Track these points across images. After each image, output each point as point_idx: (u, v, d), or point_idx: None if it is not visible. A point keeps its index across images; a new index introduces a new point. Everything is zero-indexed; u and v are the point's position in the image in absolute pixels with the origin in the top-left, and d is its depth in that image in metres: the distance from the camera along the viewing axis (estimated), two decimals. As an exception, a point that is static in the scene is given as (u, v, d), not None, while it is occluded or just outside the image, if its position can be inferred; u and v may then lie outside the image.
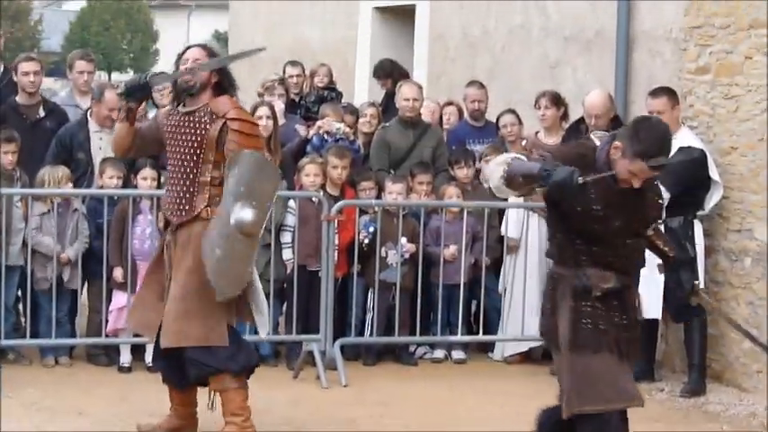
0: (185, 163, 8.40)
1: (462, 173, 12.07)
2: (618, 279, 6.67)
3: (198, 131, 8.35)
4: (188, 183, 8.40)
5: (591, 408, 6.59)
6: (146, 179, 11.11)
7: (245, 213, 8.01)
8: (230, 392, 8.42)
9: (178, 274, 8.35)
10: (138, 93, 8.63)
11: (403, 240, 11.47)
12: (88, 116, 11.71)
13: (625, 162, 6.42)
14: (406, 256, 11.56)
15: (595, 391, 6.56)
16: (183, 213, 8.39)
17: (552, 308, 6.85)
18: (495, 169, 6.60)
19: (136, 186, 11.23)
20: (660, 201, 7.12)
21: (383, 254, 11.53)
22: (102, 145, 11.49)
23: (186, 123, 8.40)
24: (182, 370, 8.44)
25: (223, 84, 8.63)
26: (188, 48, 8.96)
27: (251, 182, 8.14)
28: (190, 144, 8.36)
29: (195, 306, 8.25)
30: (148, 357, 11.04)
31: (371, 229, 11.45)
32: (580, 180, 6.36)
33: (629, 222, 6.69)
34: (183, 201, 8.40)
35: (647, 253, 10.89)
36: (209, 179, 8.37)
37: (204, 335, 8.25)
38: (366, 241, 11.43)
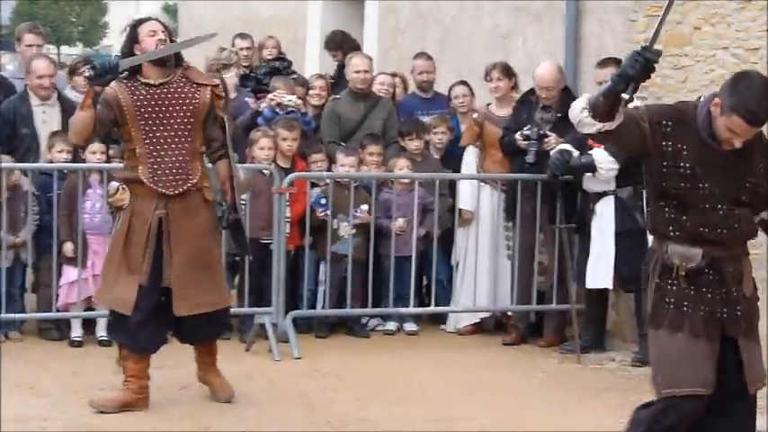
0: (179, 134, 8.52)
1: (413, 144, 12.04)
2: (709, 254, 6.12)
3: (188, 101, 8.55)
4: (183, 152, 8.55)
5: (666, 391, 6.23)
6: (95, 153, 11.02)
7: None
8: (215, 345, 9.20)
9: (184, 242, 8.57)
10: (108, 76, 8.40)
11: (364, 207, 11.50)
12: (29, 90, 11.64)
13: (723, 119, 6.02)
14: (363, 220, 11.58)
15: (672, 374, 6.21)
16: (180, 183, 8.54)
17: (645, 284, 6.59)
18: (576, 105, 6.29)
19: (84, 161, 11.13)
20: None
21: (335, 226, 11.51)
22: (45, 119, 11.50)
23: (167, 97, 8.51)
24: (157, 338, 8.81)
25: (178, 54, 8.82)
26: (141, 21, 8.93)
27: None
28: (182, 115, 8.53)
29: (203, 274, 8.66)
30: (100, 332, 11.10)
31: (323, 201, 11.46)
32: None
33: (726, 187, 6.11)
34: (180, 172, 8.54)
35: (602, 220, 11.04)
36: (199, 148, 8.71)
37: (218, 299, 8.87)
38: (324, 217, 11.43)
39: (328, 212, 11.45)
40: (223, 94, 8.92)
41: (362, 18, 15.87)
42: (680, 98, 11.13)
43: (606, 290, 11.26)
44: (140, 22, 8.84)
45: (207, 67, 12.65)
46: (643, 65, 5.84)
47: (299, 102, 12.08)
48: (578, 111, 6.18)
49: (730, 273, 6.11)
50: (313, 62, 15.94)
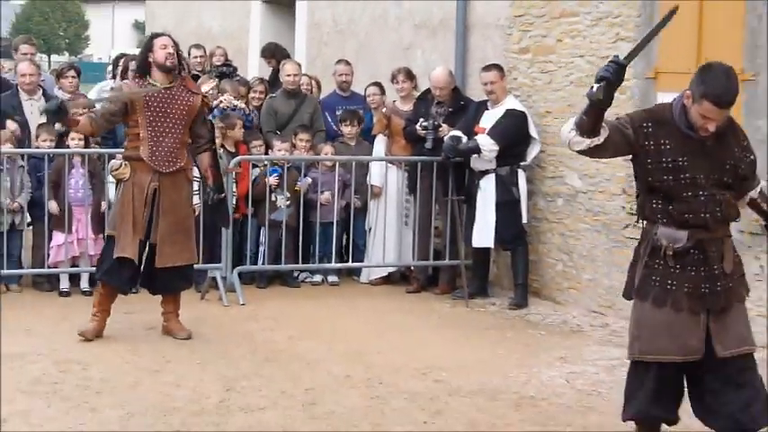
0: (175, 127, 8.97)
1: (348, 129, 12.10)
2: (694, 236, 5.80)
3: (184, 103, 9.02)
4: (176, 141, 9.00)
5: (651, 357, 5.98)
6: (74, 139, 10.99)
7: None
8: (179, 297, 9.49)
9: (170, 209, 9.01)
10: (58, 117, 8.90)
11: (307, 179, 11.64)
12: (19, 87, 11.64)
13: (695, 107, 5.75)
14: (304, 187, 11.61)
15: (653, 342, 5.97)
16: (171, 164, 8.97)
17: (634, 260, 6.26)
18: (565, 128, 6.07)
19: (68, 146, 11.08)
20: (747, 155, 5.97)
21: (273, 198, 11.46)
22: (32, 110, 11.39)
23: (171, 96, 8.96)
24: (136, 282, 9.44)
25: (181, 61, 9.33)
26: (156, 35, 9.42)
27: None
28: (179, 113, 8.99)
29: (182, 237, 9.16)
30: (84, 284, 11.13)
31: (276, 175, 11.51)
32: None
33: (709, 172, 5.82)
34: (172, 155, 8.97)
35: (485, 193, 11.02)
36: (187, 140, 9.15)
37: (189, 257, 9.31)
38: (275, 182, 11.51)
39: (278, 179, 11.53)
40: (209, 102, 9.62)
41: (294, 32, 15.79)
42: (548, 95, 11.23)
43: (488, 248, 11.30)
44: (155, 36, 9.32)
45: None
46: (616, 69, 5.64)
47: (243, 105, 12.03)
48: (567, 132, 6.00)
49: (713, 252, 5.84)
50: (254, 67, 15.86)
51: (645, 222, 6.07)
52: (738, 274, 5.98)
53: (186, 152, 9.17)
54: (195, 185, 10.17)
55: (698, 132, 5.76)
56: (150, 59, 8.98)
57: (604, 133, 5.80)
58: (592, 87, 5.72)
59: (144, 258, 9.16)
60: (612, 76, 5.64)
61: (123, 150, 9.36)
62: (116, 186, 9.41)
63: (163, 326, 9.39)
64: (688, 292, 5.81)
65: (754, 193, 6.06)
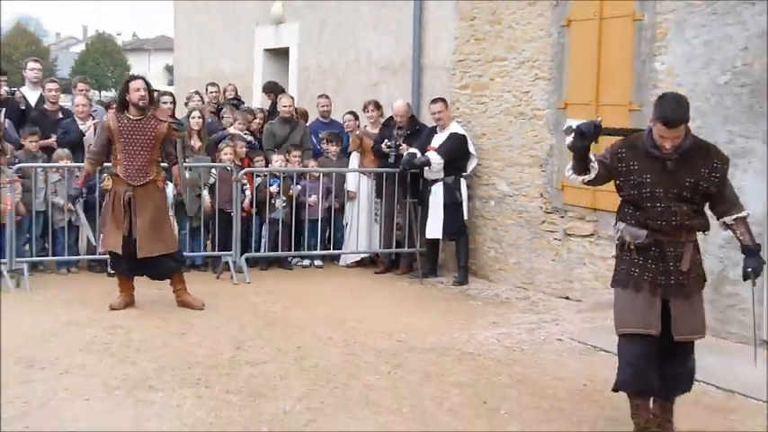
0: (144, 150, 8.90)
1: (332, 147, 12.04)
2: (652, 236, 5.56)
3: (153, 131, 8.92)
4: (146, 161, 8.92)
5: (620, 330, 5.78)
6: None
7: (188, 174, 9.64)
8: (179, 275, 9.41)
9: (144, 212, 8.91)
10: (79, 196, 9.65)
11: (297, 187, 11.40)
12: (75, 115, 11.56)
13: (654, 129, 5.53)
14: (295, 193, 11.54)
15: (621, 317, 5.75)
16: (142, 178, 8.91)
17: (615, 256, 6.06)
18: (566, 169, 6.00)
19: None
20: (714, 176, 5.56)
21: (272, 201, 11.40)
22: (85, 131, 11.36)
23: (141, 126, 8.90)
24: (135, 270, 9.23)
25: (152, 98, 9.23)
26: (132, 77, 9.21)
27: (182, 158, 9.41)
28: (148, 140, 8.90)
29: (157, 233, 9.01)
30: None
31: (274, 182, 11.40)
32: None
33: (668, 187, 5.52)
34: (143, 171, 8.92)
35: (435, 196, 11.00)
36: (156, 158, 9.04)
37: (166, 246, 9.11)
38: (274, 190, 11.39)
39: (278, 188, 11.38)
40: (177, 127, 9.33)
41: (287, 73, 15.79)
42: (483, 121, 11.28)
43: (438, 239, 11.27)
44: (132, 79, 9.13)
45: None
46: (593, 131, 5.58)
47: (250, 138, 12.01)
48: (567, 172, 5.97)
49: (670, 252, 5.58)
50: (257, 100, 15.80)
51: (619, 223, 5.87)
52: (695, 273, 5.66)
53: (156, 167, 9.07)
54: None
55: (661, 151, 5.53)
56: (127, 98, 8.91)
57: (594, 171, 5.74)
58: (568, 137, 5.72)
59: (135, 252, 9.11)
60: (586, 131, 5.61)
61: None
62: (103, 195, 9.71)
63: (177, 301, 9.36)
64: (648, 280, 5.61)
65: (728, 219, 5.68)
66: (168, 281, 9.40)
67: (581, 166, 5.79)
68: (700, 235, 5.81)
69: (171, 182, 10.19)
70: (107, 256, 10.82)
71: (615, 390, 5.88)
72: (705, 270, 5.84)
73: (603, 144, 5.89)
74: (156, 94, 9.95)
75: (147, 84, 9.07)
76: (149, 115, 8.95)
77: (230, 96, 14.05)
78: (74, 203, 9.89)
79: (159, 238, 9.03)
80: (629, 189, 5.66)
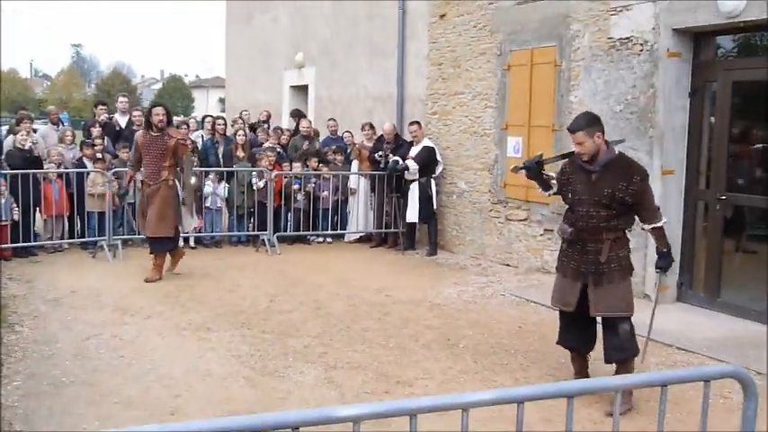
0: (157, 158, 8.60)
1: (337, 156, 11.88)
2: (576, 234, 5.26)
3: (165, 145, 8.61)
4: (159, 167, 8.61)
5: (552, 305, 5.66)
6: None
7: (193, 180, 9.04)
8: (178, 252, 9.16)
9: (154, 205, 8.60)
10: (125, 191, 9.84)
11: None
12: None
13: None
14: (311, 190, 11.42)
15: (552, 295, 5.54)
16: (156, 180, 8.62)
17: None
18: (538, 188, 5.77)
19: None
20: (631, 188, 5.10)
21: (296, 195, 11.34)
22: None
23: (157, 141, 8.62)
24: (160, 245, 8.82)
25: (170, 120, 8.83)
26: (154, 105, 9.04)
27: (189, 168, 8.94)
28: (161, 150, 8.60)
29: (161, 220, 8.64)
30: (191, 242, 10.92)
31: (297, 184, 11.33)
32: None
33: (590, 194, 5.18)
34: (156, 174, 8.62)
35: (413, 192, 10.95)
36: (167, 165, 8.62)
37: (166, 230, 8.73)
38: (297, 187, 11.32)
39: (299, 187, 11.34)
40: (185, 142, 8.93)
41: (307, 102, 15.73)
42: (447, 137, 11.23)
43: (415, 223, 11.20)
44: (154, 105, 8.96)
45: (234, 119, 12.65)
46: (535, 165, 5.51)
47: (279, 150, 11.89)
48: (538, 190, 5.77)
49: (590, 247, 5.18)
50: (284, 122, 15.70)
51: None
52: (616, 264, 5.18)
53: (167, 171, 8.65)
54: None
55: (587, 162, 5.19)
56: (150, 120, 8.65)
57: (555, 186, 5.53)
58: (522, 171, 5.64)
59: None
60: (530, 165, 5.54)
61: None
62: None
63: (168, 268, 9.04)
64: (573, 267, 5.31)
65: (646, 227, 5.29)
66: (168, 254, 9.05)
67: (543, 186, 5.65)
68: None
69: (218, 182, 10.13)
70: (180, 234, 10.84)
71: (557, 343, 5.71)
72: (632, 261, 5.36)
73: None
74: (173, 116, 9.39)
75: (167, 109, 8.84)
76: (164, 132, 8.64)
77: (263, 119, 13.98)
78: (122, 199, 10.00)
79: (163, 223, 8.68)
80: (566, 195, 5.39)
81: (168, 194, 8.69)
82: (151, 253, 8.90)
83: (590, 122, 5.17)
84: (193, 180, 9.08)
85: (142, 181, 8.94)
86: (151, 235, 8.70)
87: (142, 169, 8.80)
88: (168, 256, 9.02)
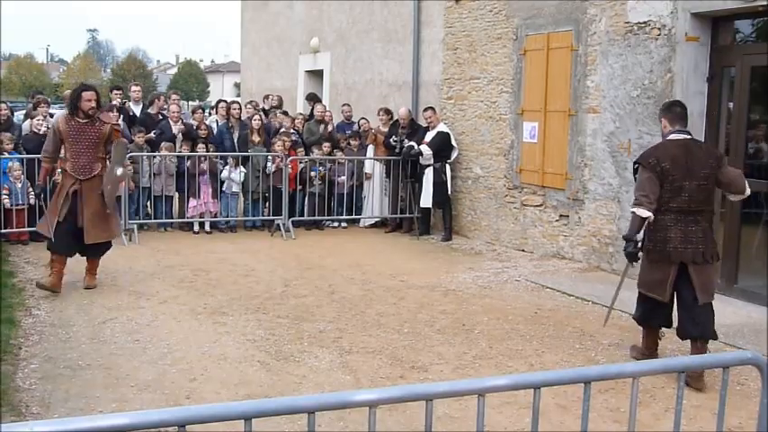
0: (89, 149, 7.26)
1: (354, 142, 11.87)
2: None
3: (98, 132, 7.28)
4: (91, 158, 7.27)
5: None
6: (202, 148, 10.84)
7: (119, 171, 7.44)
8: (99, 260, 7.75)
9: (90, 203, 7.26)
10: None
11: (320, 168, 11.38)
12: (169, 119, 11.45)
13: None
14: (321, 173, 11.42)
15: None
16: (87, 173, 7.27)
17: None
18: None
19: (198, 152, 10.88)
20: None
21: (312, 181, 11.34)
22: (176, 131, 11.23)
23: (87, 128, 7.24)
24: (73, 249, 7.46)
25: (100, 104, 7.45)
26: (85, 88, 7.48)
27: (119, 156, 7.43)
28: (93, 139, 7.28)
29: (101, 221, 7.34)
30: (206, 227, 10.95)
31: (314, 171, 11.32)
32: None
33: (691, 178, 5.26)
34: (88, 167, 7.26)
35: (428, 177, 10.93)
36: (101, 155, 7.35)
37: (110, 234, 7.49)
38: (314, 174, 11.30)
39: (316, 172, 11.33)
40: (119, 128, 8.06)
41: (322, 87, 15.71)
42: (463, 122, 11.20)
43: (429, 208, 11.18)
44: (85, 89, 7.42)
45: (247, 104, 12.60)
46: (631, 251, 5.36)
47: (294, 133, 11.89)
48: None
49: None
50: (300, 107, 15.69)
51: None
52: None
53: (101, 164, 7.35)
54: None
55: None
56: (78, 105, 7.23)
57: (654, 199, 5.28)
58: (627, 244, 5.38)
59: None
60: (630, 250, 5.34)
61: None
62: (55, 186, 8.03)
63: (85, 282, 7.63)
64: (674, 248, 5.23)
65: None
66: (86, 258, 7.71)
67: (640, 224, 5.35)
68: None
69: (236, 167, 10.12)
70: (195, 218, 10.84)
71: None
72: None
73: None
74: (103, 101, 8.26)
75: (98, 95, 7.46)
76: (96, 118, 7.32)
77: (275, 104, 13.95)
78: (38, 197, 8.50)
79: (105, 225, 7.41)
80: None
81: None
82: (55, 253, 7.35)
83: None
84: (119, 171, 7.58)
85: (61, 172, 7.60)
86: (93, 242, 7.38)
87: (64, 163, 7.46)
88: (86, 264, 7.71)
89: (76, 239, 7.31)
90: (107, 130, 7.38)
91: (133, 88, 12.43)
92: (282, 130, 11.75)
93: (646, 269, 5.47)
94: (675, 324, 5.48)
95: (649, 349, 5.69)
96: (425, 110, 11.21)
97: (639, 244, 5.41)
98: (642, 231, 5.34)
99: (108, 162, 7.43)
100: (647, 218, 5.23)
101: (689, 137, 5.44)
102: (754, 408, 4.67)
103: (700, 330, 5.27)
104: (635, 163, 5.40)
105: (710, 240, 5.34)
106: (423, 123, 11.39)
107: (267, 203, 11.40)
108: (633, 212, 5.29)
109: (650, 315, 5.57)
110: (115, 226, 7.67)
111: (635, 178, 5.42)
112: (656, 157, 5.31)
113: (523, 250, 10.09)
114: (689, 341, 5.47)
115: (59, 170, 7.64)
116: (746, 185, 5.48)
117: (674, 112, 5.45)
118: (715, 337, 5.41)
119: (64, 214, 7.22)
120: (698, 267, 5.26)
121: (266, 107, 13.70)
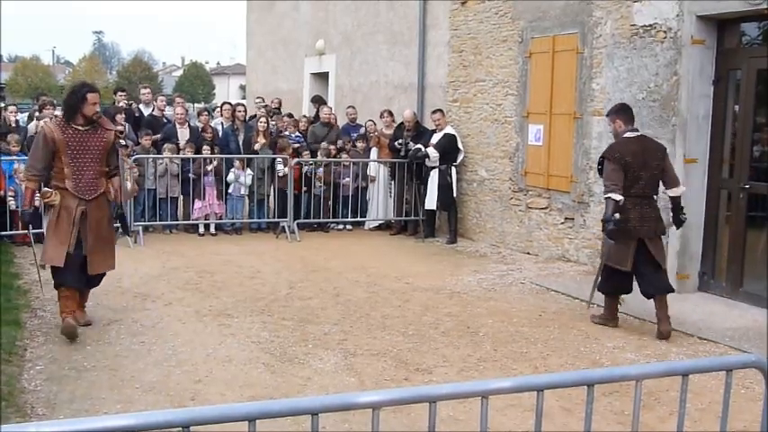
0: (93, 161, 6.15)
1: (359, 144, 11.84)
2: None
3: (101, 141, 6.15)
4: (96, 173, 6.16)
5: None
6: (207, 150, 10.85)
7: (129, 184, 6.86)
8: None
9: (93, 227, 6.16)
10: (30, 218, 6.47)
11: (320, 171, 11.36)
12: (174, 121, 11.47)
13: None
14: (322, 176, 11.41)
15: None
16: (93, 192, 6.12)
17: None
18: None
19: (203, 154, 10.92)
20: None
21: (316, 182, 11.38)
22: (182, 134, 11.20)
23: (89, 138, 6.11)
24: (83, 280, 6.30)
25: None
26: (89, 90, 6.17)
27: (129, 169, 6.93)
28: (97, 149, 6.15)
29: (105, 247, 6.31)
30: (212, 229, 10.97)
31: (310, 171, 11.31)
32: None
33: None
34: (92, 185, 6.14)
35: (433, 179, 10.93)
36: (104, 169, 6.28)
37: (111, 263, 6.41)
38: (310, 173, 11.31)
39: (321, 174, 11.36)
40: (122, 135, 7.28)
41: (327, 90, 15.72)
42: (468, 125, 11.19)
43: (435, 210, 11.20)
44: (90, 90, 6.17)
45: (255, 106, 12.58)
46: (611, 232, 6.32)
47: (299, 137, 11.94)
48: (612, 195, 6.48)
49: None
50: (305, 109, 15.73)
51: None
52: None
53: (104, 179, 6.24)
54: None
55: None
56: (83, 110, 6.08)
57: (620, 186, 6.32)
58: (607, 224, 6.27)
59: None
60: (611, 228, 6.26)
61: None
62: (45, 209, 6.90)
63: (74, 314, 6.20)
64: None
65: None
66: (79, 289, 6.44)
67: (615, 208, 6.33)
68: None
69: (240, 169, 10.10)
70: (200, 220, 10.84)
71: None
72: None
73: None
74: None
75: (100, 95, 6.44)
76: (96, 125, 6.20)
77: (275, 106, 13.97)
78: (28, 227, 6.60)
79: (108, 254, 6.40)
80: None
81: (108, 213, 6.43)
82: (68, 289, 6.20)
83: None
84: (129, 185, 7.00)
85: (53, 192, 6.16)
86: (96, 272, 6.38)
87: (62, 181, 6.13)
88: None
89: (82, 269, 6.26)
90: (110, 138, 6.31)
91: (143, 90, 12.49)
92: (284, 133, 11.77)
93: (612, 247, 6.42)
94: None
95: (612, 314, 6.75)
96: (434, 112, 11.22)
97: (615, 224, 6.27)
98: (617, 212, 6.26)
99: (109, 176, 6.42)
100: (618, 201, 6.23)
101: (640, 133, 6.61)
102: (758, 411, 4.63)
103: (663, 288, 6.40)
104: (600, 157, 6.45)
105: (660, 219, 6.51)
106: (429, 126, 11.41)
107: (273, 205, 11.44)
108: (608, 198, 6.27)
109: (618, 286, 6.62)
110: (114, 255, 6.57)
111: (599, 170, 6.50)
112: (619, 151, 6.36)
113: (528, 253, 10.09)
114: (653, 301, 6.48)
115: (53, 190, 6.17)
116: (679, 180, 6.68)
117: (628, 113, 6.60)
118: (672, 290, 6.49)
119: (74, 243, 6.13)
120: (653, 241, 6.41)
121: (271, 107, 13.74)
